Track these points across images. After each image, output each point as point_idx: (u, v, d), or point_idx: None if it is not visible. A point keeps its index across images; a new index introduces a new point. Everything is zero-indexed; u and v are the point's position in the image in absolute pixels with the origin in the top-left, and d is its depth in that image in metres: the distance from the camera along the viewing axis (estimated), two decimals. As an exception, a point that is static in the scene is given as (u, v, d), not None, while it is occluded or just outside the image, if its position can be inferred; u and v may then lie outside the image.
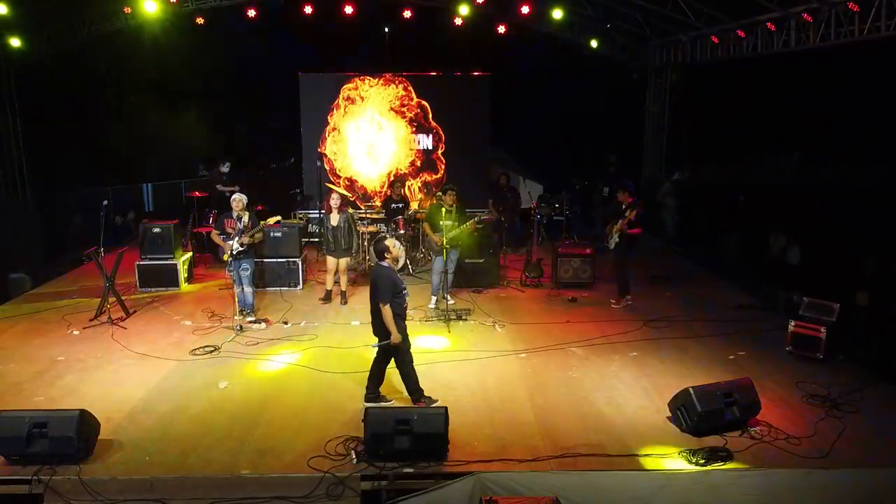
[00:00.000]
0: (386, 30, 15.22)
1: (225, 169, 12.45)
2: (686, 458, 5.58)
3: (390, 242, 6.50)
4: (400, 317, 6.39)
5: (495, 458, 5.59)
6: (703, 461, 5.51)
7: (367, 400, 6.49)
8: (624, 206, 9.28)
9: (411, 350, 6.54)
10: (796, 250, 11.46)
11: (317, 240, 11.94)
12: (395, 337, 6.28)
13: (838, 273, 9.86)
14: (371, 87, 13.95)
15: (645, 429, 6.09)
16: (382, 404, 6.45)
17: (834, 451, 5.70)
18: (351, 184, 13.97)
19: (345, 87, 13.91)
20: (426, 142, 14.30)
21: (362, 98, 13.94)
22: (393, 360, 6.52)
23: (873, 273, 9.62)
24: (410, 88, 14.06)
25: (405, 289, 6.53)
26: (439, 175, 14.09)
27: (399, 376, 6.57)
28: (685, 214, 14.10)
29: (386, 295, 6.25)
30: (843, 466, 5.51)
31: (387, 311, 6.23)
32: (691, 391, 5.94)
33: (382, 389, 6.64)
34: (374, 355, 6.52)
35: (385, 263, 6.49)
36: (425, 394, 6.51)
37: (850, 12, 8.94)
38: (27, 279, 11.14)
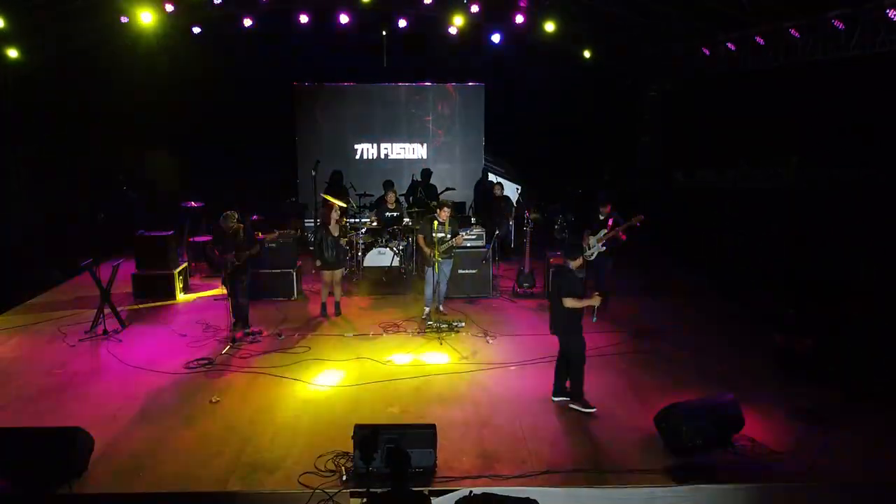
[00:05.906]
0: (384, 32, 15.28)
1: None
2: (670, 474, 5.66)
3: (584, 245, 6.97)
4: (578, 318, 6.83)
5: (483, 473, 5.68)
6: (686, 477, 5.60)
7: (554, 395, 7.09)
8: (603, 217, 9.40)
9: (408, 364, 6.63)
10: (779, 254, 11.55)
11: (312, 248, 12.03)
12: (595, 299, 6.89)
13: (833, 281, 9.92)
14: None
15: (631, 444, 6.18)
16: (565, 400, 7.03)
17: (816, 466, 5.79)
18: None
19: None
20: (420, 151, 14.45)
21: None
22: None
23: (870, 280, 9.68)
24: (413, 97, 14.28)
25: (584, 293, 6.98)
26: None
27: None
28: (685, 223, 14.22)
29: (567, 291, 6.66)
30: (825, 482, 5.61)
31: (570, 300, 6.63)
32: (676, 407, 6.03)
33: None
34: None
35: (570, 265, 6.84)
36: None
37: (837, 30, 9.04)
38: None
